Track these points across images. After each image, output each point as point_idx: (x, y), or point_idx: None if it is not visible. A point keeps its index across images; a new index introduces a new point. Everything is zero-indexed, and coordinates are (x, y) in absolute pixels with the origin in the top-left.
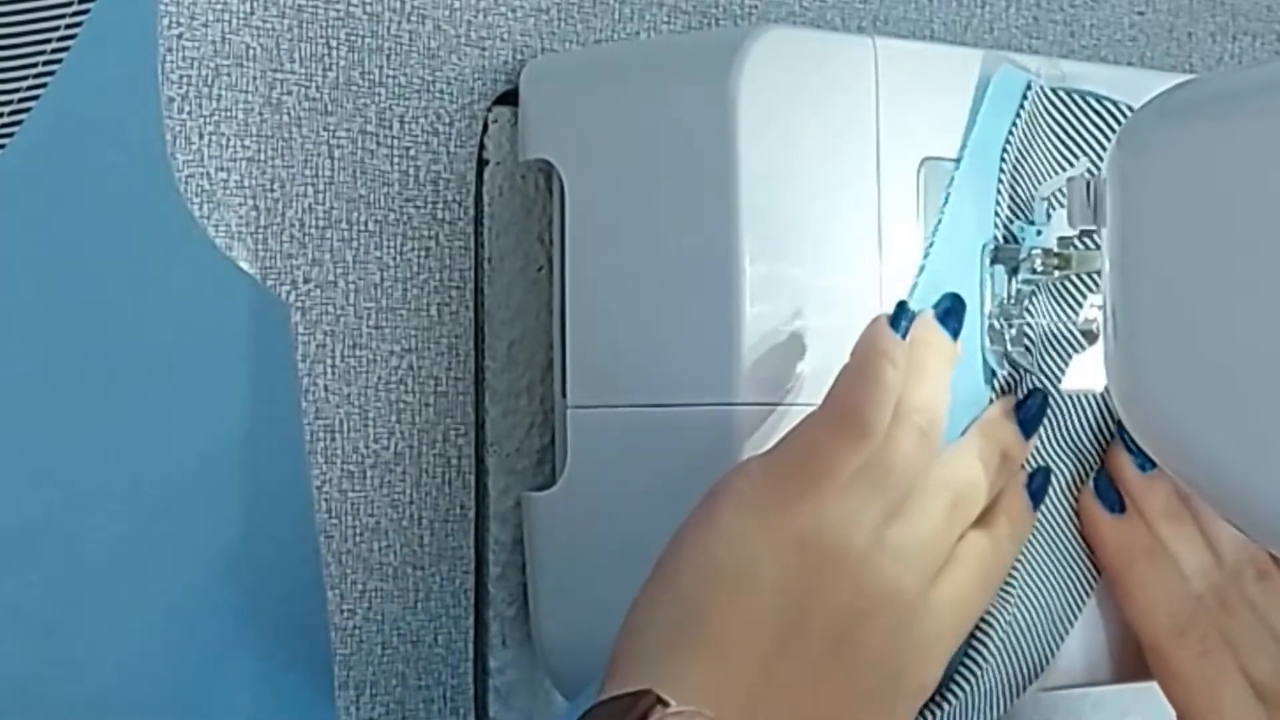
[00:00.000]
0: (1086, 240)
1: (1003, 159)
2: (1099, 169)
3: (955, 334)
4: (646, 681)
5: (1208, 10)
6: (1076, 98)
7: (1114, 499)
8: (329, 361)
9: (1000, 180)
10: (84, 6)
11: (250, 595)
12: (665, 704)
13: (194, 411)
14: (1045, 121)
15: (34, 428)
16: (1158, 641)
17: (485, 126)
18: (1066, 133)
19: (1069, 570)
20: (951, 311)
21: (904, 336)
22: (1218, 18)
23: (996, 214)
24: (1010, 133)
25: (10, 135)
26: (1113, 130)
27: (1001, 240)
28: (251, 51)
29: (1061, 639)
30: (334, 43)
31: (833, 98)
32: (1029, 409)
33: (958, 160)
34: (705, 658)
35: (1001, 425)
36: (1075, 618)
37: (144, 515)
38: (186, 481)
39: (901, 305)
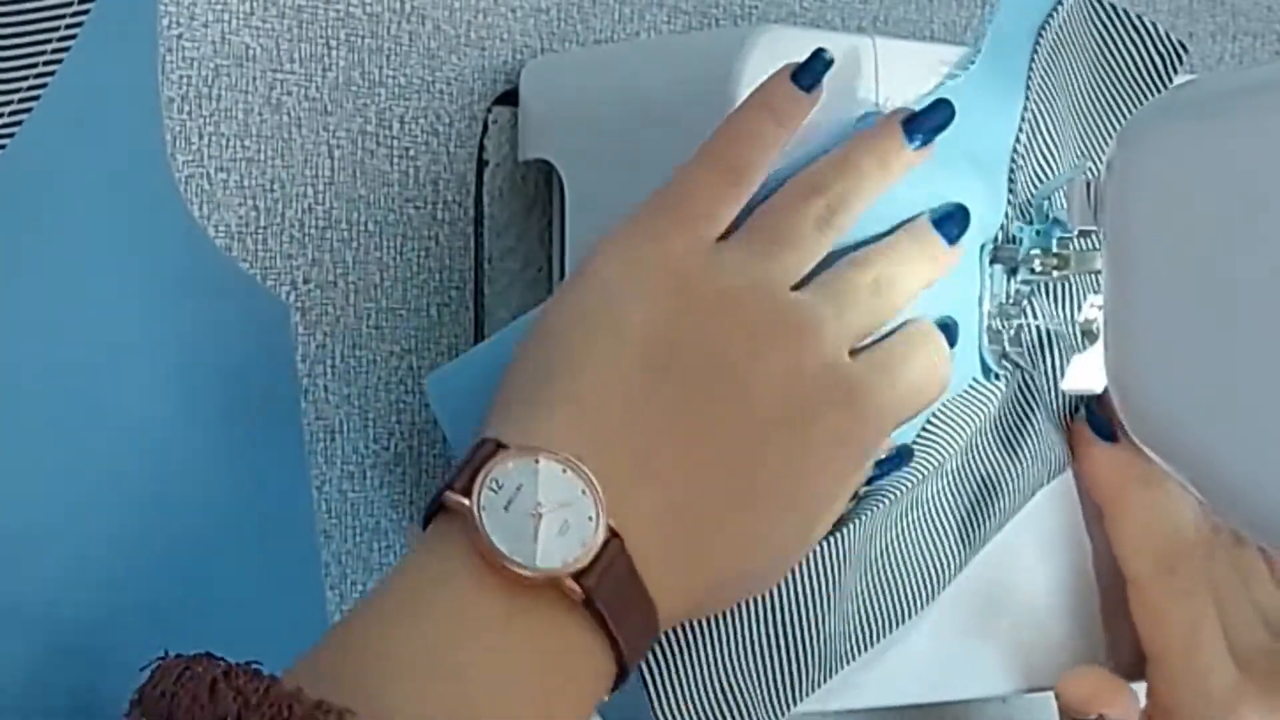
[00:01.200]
0: (1084, 240)
1: (1031, 63)
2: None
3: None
4: (504, 433)
5: (1208, 10)
6: (1119, 14)
7: (1106, 428)
8: (329, 362)
9: (1028, 87)
10: (84, 7)
11: (250, 596)
12: (504, 447)
13: (194, 412)
14: (1083, 34)
15: (34, 428)
16: (1144, 574)
17: (485, 127)
18: (1103, 51)
19: (962, 526)
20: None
21: (809, 90)
22: (1218, 18)
23: (1021, 131)
24: (1039, 36)
25: (10, 135)
26: (1148, 63)
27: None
28: (251, 52)
29: (929, 595)
30: (334, 43)
31: (833, 98)
32: (948, 216)
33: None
34: (563, 404)
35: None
36: (947, 577)
37: (144, 515)
38: (186, 482)
39: (816, 53)
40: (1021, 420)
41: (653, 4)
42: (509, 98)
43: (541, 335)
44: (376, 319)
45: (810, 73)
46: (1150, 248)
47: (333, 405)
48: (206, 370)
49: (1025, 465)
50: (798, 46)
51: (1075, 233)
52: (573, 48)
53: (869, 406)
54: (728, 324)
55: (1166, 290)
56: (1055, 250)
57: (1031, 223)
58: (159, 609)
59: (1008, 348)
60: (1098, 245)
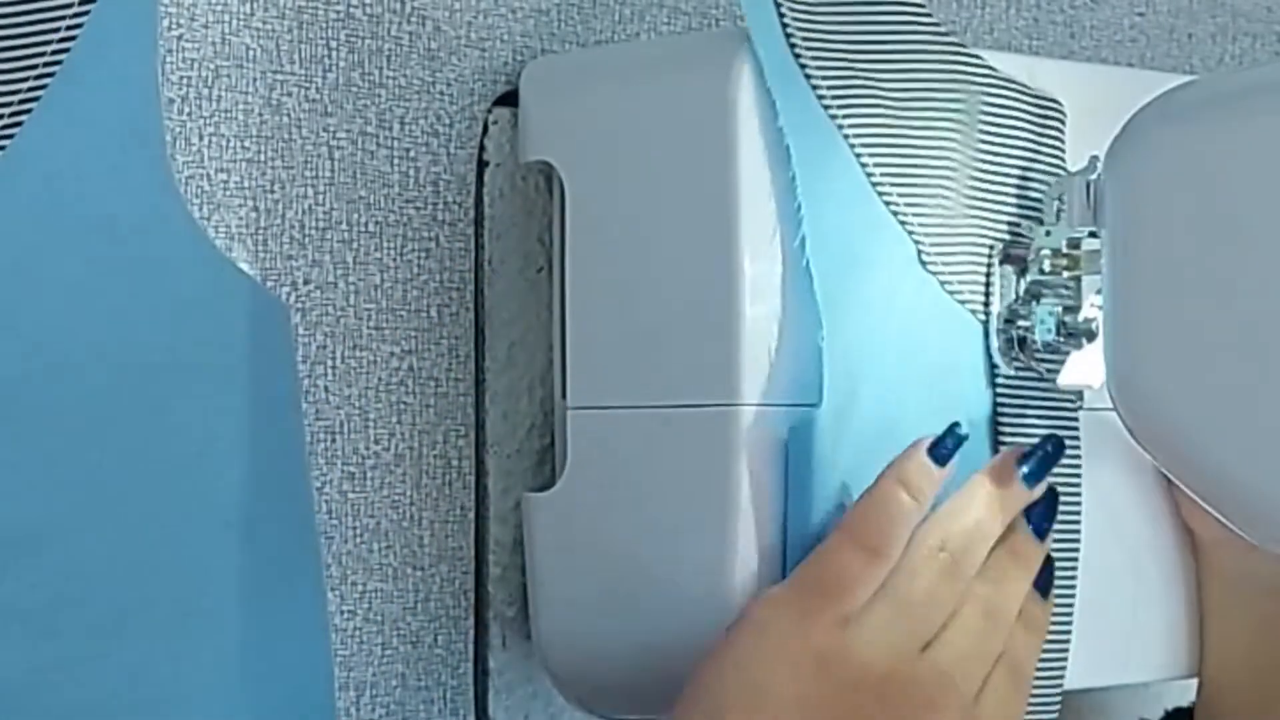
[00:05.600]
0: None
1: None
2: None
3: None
4: None
5: (1208, 11)
6: None
7: None
8: (329, 363)
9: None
10: (84, 7)
11: (250, 596)
12: None
13: (194, 412)
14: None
15: (34, 428)
16: None
17: (485, 128)
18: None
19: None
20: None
21: (943, 464)
22: (1218, 19)
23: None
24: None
25: (11, 135)
26: None
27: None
28: (252, 53)
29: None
30: (334, 44)
31: None
32: (1039, 511)
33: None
34: None
35: (1024, 536)
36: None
37: (144, 515)
38: (186, 482)
39: (951, 429)
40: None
41: (653, 4)
42: (509, 99)
43: (688, 705)
44: (377, 319)
45: (944, 448)
46: (1150, 248)
47: (333, 406)
48: (207, 370)
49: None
50: None
51: (1085, 233)
52: (573, 48)
53: None
54: (871, 704)
55: (1166, 290)
56: (1065, 250)
57: (1042, 223)
58: (159, 609)
59: (1016, 349)
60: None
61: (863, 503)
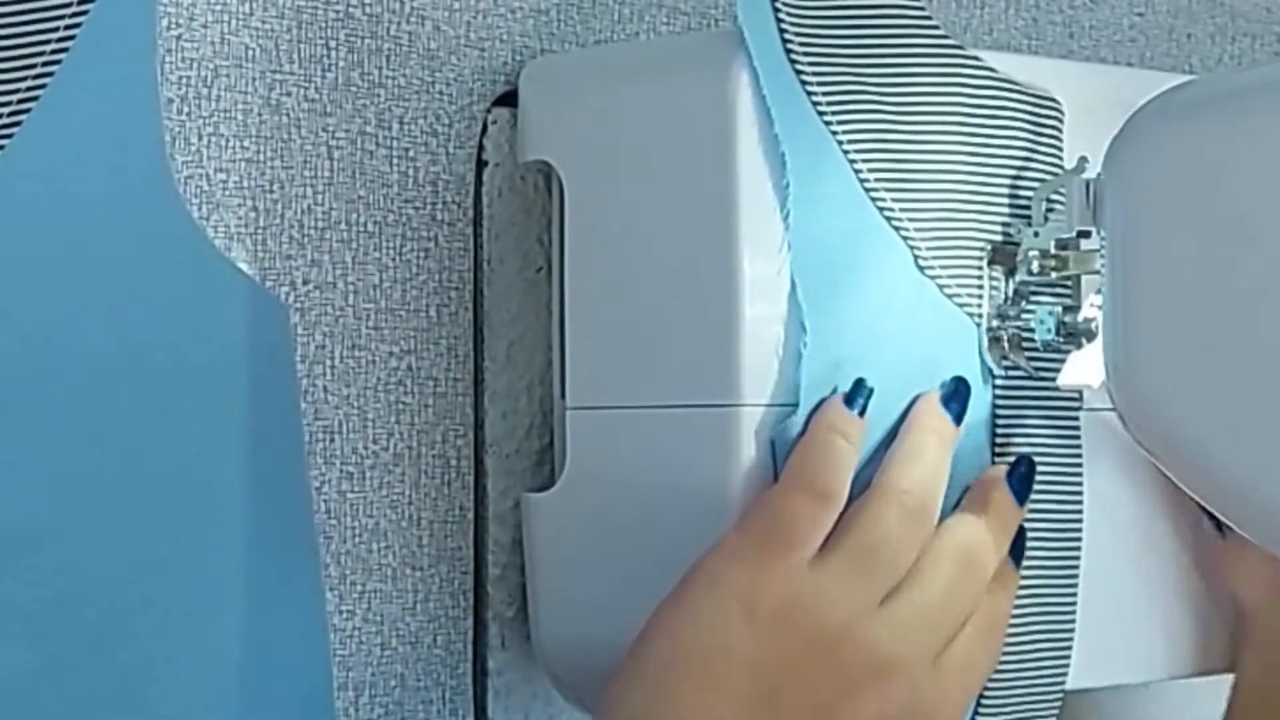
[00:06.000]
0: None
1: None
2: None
3: (958, 418)
4: None
5: (1207, 11)
6: None
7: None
8: (328, 363)
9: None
10: (84, 7)
11: (249, 596)
12: None
13: (194, 412)
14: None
15: (34, 428)
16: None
17: (484, 128)
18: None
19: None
20: (955, 394)
21: (861, 413)
22: (1217, 19)
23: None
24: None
25: (10, 135)
26: None
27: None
28: (251, 52)
29: (1056, 678)
30: (333, 44)
31: None
32: (1019, 475)
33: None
34: None
35: (998, 490)
36: (1065, 654)
37: (143, 515)
38: (186, 482)
39: (859, 383)
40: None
41: (653, 4)
42: (508, 99)
43: (638, 663)
44: (376, 319)
45: (859, 398)
46: (1150, 248)
47: (332, 405)
48: (206, 370)
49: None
50: None
51: (1074, 233)
52: (573, 48)
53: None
54: (825, 664)
55: (1166, 290)
56: (1054, 251)
57: (1030, 224)
58: (158, 609)
59: (1007, 349)
60: (1098, 245)
61: (803, 450)
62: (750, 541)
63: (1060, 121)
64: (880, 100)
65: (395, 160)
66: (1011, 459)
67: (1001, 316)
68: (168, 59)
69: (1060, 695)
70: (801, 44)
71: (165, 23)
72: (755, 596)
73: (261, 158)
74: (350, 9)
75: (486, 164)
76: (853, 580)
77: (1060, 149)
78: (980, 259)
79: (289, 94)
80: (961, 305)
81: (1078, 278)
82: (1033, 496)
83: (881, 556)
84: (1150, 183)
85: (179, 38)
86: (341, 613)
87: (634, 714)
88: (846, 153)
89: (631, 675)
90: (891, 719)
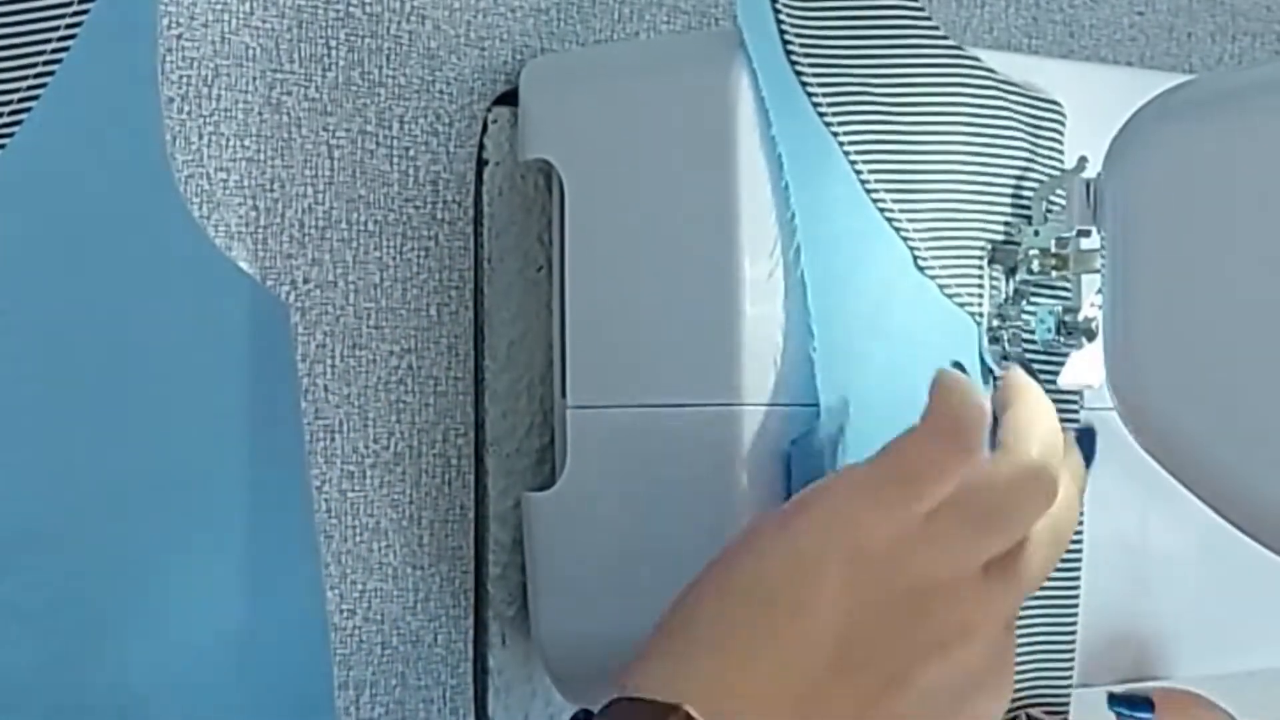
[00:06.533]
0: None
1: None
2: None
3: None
4: (679, 684)
5: (1207, 10)
6: None
7: None
8: (329, 362)
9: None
10: (84, 6)
11: (249, 595)
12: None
13: (194, 411)
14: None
15: (34, 428)
16: None
17: (485, 127)
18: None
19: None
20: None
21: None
22: (1217, 18)
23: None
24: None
25: (10, 135)
26: None
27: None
28: (251, 52)
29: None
30: (334, 43)
31: None
32: (1089, 446)
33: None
34: (751, 678)
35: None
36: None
37: (143, 515)
38: (186, 481)
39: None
40: None
41: (653, 4)
42: (509, 98)
43: (729, 574)
44: (376, 319)
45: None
46: (1150, 247)
47: (332, 405)
48: (206, 370)
49: None
50: None
51: (1075, 232)
52: (573, 48)
53: (1006, 692)
54: (913, 615)
55: (1166, 290)
56: (1055, 250)
57: (1031, 223)
58: (159, 608)
59: (1007, 348)
60: (1098, 245)
61: (941, 398)
62: (878, 480)
63: (1061, 122)
64: (880, 100)
65: (396, 159)
66: None
67: (1002, 316)
68: (168, 58)
69: (1066, 700)
70: (801, 44)
71: (165, 22)
72: (866, 537)
73: (262, 157)
74: (350, 9)
75: (487, 163)
76: (966, 540)
77: (1061, 149)
78: (980, 258)
79: (289, 93)
80: (962, 305)
81: (1078, 277)
82: None
83: (1002, 523)
84: (1150, 182)
85: (179, 37)
86: (342, 611)
87: (714, 632)
88: (846, 153)
89: (721, 584)
90: (955, 685)
